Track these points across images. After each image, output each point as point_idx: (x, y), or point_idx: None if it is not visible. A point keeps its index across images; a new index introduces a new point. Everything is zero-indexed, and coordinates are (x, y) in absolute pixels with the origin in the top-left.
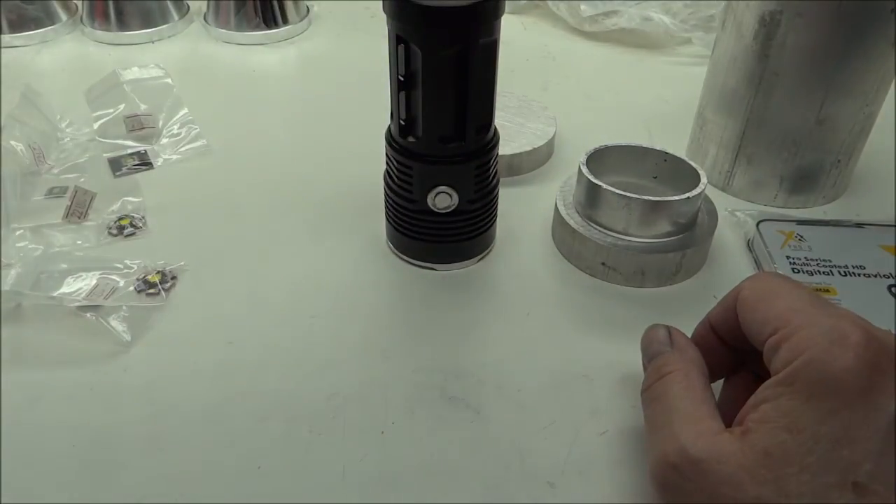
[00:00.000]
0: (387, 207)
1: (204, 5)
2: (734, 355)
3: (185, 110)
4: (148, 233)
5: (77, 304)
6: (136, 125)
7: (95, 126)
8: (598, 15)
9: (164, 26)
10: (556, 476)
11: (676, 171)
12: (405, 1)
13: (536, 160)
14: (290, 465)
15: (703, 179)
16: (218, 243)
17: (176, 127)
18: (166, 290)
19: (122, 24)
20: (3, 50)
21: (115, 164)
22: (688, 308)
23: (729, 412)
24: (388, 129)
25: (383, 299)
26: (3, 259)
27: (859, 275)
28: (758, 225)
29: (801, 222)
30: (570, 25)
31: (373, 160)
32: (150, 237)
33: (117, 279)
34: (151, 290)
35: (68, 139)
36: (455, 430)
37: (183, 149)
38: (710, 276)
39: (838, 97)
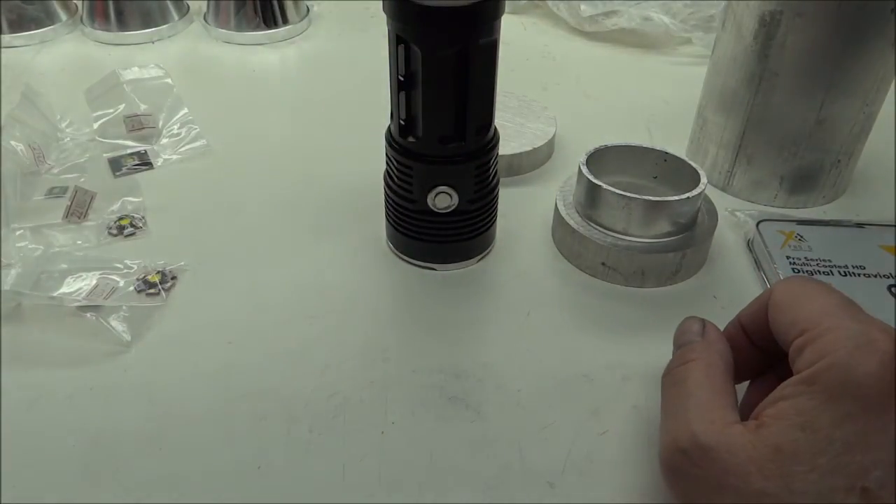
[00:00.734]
0: (387, 207)
1: (204, 5)
2: (762, 357)
3: (185, 110)
4: (148, 233)
5: (77, 304)
6: (136, 125)
7: (95, 126)
8: (598, 15)
9: (164, 26)
10: (556, 476)
11: (676, 171)
12: (405, 1)
13: (536, 160)
14: (290, 465)
15: (703, 179)
16: (218, 243)
17: (176, 127)
18: (166, 290)
19: (122, 24)
20: (3, 50)
21: (115, 164)
22: (688, 308)
23: (749, 413)
24: (388, 129)
25: (383, 299)
26: (3, 259)
27: (859, 275)
28: (758, 225)
29: (801, 222)
30: (570, 25)
31: (373, 160)
32: (150, 237)
33: (117, 279)
34: (151, 290)
35: (68, 139)
36: (455, 430)
37: (183, 149)
38: (710, 276)
39: (838, 97)
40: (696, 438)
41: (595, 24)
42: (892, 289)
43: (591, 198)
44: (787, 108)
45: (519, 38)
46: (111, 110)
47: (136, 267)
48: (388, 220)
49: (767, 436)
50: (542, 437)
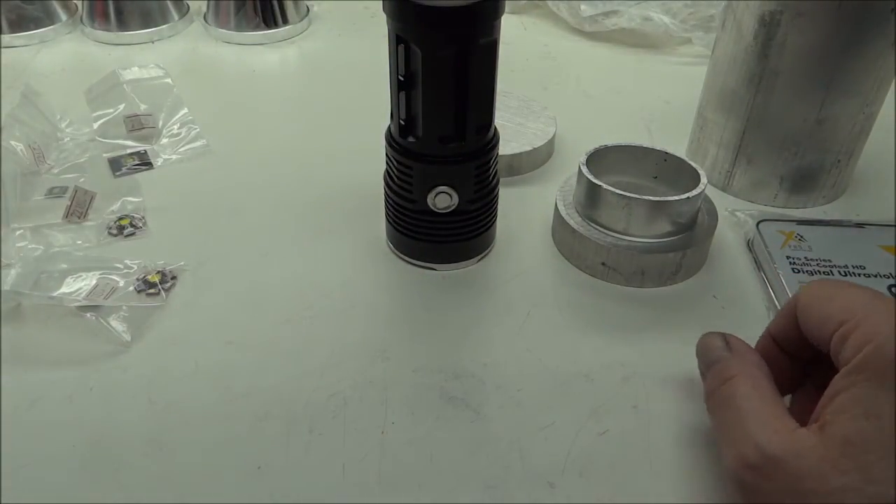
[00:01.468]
0: (387, 207)
1: (204, 5)
2: (797, 367)
3: (185, 110)
4: (148, 233)
5: (77, 304)
6: (136, 125)
7: (95, 126)
8: (598, 15)
9: (164, 26)
10: (556, 476)
11: (676, 171)
12: (405, 1)
13: (536, 160)
14: (290, 465)
15: (703, 179)
16: (218, 243)
17: (176, 127)
18: (166, 290)
19: (122, 24)
20: (3, 50)
21: (115, 164)
22: (688, 308)
23: (801, 423)
24: (388, 129)
25: (383, 299)
26: (3, 259)
27: (859, 275)
28: (758, 225)
29: (801, 222)
30: (570, 25)
31: (373, 160)
32: (150, 237)
33: (117, 279)
34: (151, 290)
35: (68, 139)
36: (455, 430)
37: (183, 149)
38: (710, 276)
39: (838, 97)
40: (762, 450)
41: (595, 24)
42: (893, 289)
43: (591, 198)
44: (787, 108)
45: (519, 38)
46: (111, 110)
47: (135, 267)
48: (387, 220)
49: (833, 432)
50: (542, 437)
